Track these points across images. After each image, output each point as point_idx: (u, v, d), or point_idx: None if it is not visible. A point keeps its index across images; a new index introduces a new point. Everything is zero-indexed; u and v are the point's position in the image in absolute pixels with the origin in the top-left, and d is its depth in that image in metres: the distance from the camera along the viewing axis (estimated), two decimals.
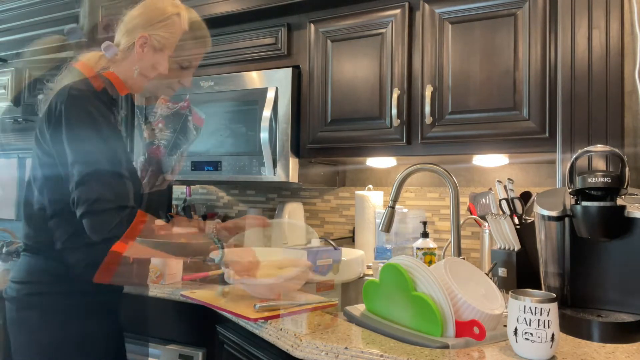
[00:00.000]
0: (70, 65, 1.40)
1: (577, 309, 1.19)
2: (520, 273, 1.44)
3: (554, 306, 0.98)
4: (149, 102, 1.44)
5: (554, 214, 1.22)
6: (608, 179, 1.13)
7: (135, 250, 1.22)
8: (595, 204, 1.15)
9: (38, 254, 1.28)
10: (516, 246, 1.46)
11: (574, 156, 1.22)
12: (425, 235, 1.74)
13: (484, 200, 1.74)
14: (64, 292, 1.27)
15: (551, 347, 0.97)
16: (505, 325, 1.05)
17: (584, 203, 1.17)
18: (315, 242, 1.94)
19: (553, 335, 0.96)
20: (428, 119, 1.69)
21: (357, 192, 2.14)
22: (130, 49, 1.36)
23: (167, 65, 1.37)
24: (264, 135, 1.92)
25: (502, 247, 1.51)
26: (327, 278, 1.36)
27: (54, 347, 1.25)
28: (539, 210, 1.25)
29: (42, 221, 1.27)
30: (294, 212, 2.25)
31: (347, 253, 1.81)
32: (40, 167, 1.28)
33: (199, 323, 1.64)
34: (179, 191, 2.78)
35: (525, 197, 1.62)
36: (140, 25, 1.35)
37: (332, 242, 1.88)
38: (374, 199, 2.10)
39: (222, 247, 1.28)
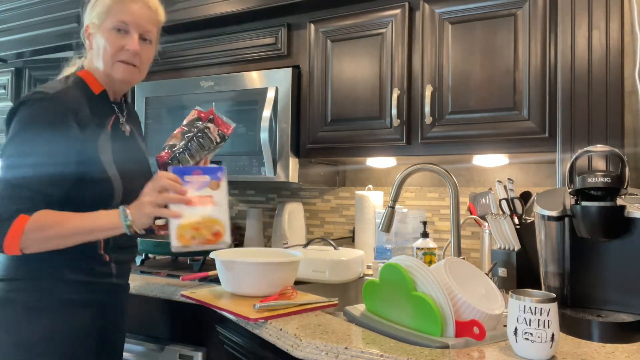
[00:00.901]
0: (64, 69, 1.42)
1: (577, 309, 1.19)
2: (520, 273, 1.44)
3: (554, 306, 0.98)
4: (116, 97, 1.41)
5: (554, 214, 1.22)
6: (608, 179, 1.13)
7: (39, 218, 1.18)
8: (595, 204, 1.15)
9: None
10: (516, 246, 1.46)
11: (574, 156, 1.22)
12: (425, 235, 1.74)
13: (484, 200, 1.74)
14: (30, 288, 1.26)
15: (551, 347, 0.97)
16: (505, 325, 1.05)
17: (584, 203, 1.17)
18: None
19: (553, 335, 0.96)
20: (428, 119, 1.70)
21: (357, 192, 2.14)
22: (88, 44, 1.36)
23: (112, 37, 1.30)
24: (264, 135, 1.92)
25: (502, 247, 1.51)
26: (204, 194, 1.25)
27: (29, 343, 1.24)
28: (539, 210, 1.25)
29: None
30: (294, 212, 2.25)
31: (347, 253, 1.81)
32: None
33: (199, 323, 1.64)
34: None
35: (525, 197, 1.62)
36: (85, 20, 1.35)
37: (332, 242, 1.88)
38: (374, 199, 2.10)
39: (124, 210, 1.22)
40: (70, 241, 1.22)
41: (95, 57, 1.34)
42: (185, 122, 1.46)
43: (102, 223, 1.23)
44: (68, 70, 1.40)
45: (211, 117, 1.45)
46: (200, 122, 1.44)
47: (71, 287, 1.29)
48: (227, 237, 1.24)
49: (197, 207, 1.26)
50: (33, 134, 1.21)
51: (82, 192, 1.27)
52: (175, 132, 1.43)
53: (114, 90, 1.39)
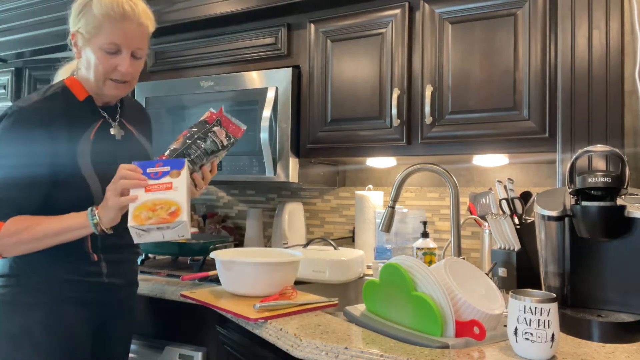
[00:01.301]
0: (58, 72, 1.44)
1: (577, 309, 1.19)
2: (520, 273, 1.44)
3: (554, 306, 0.98)
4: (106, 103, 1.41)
5: (554, 214, 1.22)
6: (608, 179, 1.13)
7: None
8: (595, 204, 1.15)
9: None
10: (516, 246, 1.46)
11: (574, 156, 1.22)
12: (425, 235, 1.74)
13: (484, 200, 1.74)
14: (22, 285, 1.30)
15: (551, 347, 0.97)
16: (505, 325, 1.05)
17: (584, 203, 1.17)
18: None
19: (553, 335, 0.96)
20: (428, 119, 1.69)
21: (357, 192, 2.14)
22: (76, 52, 1.35)
23: (102, 55, 1.29)
24: (264, 135, 1.92)
25: (502, 247, 1.51)
26: (163, 182, 1.27)
27: (20, 335, 1.27)
28: (539, 210, 1.25)
29: None
30: (294, 212, 2.25)
31: (347, 253, 1.81)
32: None
33: (199, 323, 1.64)
34: None
35: (525, 197, 1.62)
36: (71, 25, 1.33)
37: (332, 242, 1.88)
38: (374, 199, 2.10)
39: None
40: (43, 244, 1.25)
41: (84, 69, 1.34)
42: (196, 123, 1.44)
43: (70, 223, 1.24)
44: (62, 74, 1.42)
45: (218, 119, 1.43)
46: (207, 125, 1.42)
47: (62, 285, 1.31)
48: (184, 217, 1.23)
49: (155, 192, 1.27)
50: (7, 147, 1.25)
51: (60, 198, 1.28)
52: (182, 133, 1.42)
53: (104, 98, 1.39)
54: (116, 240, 1.37)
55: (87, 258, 1.35)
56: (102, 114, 1.39)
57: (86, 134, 1.34)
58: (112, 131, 1.40)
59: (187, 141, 1.39)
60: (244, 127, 1.47)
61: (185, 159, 1.33)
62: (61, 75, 1.43)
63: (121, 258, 1.44)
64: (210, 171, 1.44)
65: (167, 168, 1.30)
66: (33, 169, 1.25)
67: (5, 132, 1.26)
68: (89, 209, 1.25)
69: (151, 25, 1.37)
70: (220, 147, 1.42)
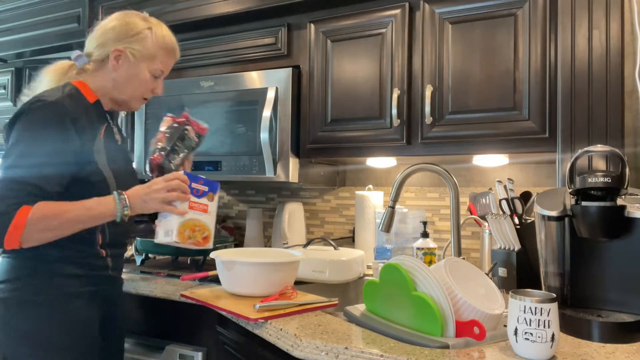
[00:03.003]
0: (42, 72, 1.46)
1: (577, 309, 1.19)
2: (520, 273, 1.44)
3: (554, 306, 0.98)
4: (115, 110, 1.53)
5: (554, 214, 1.22)
6: (608, 179, 1.13)
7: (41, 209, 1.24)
8: (596, 204, 1.15)
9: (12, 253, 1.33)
10: (516, 246, 1.46)
11: (574, 156, 1.22)
12: (425, 235, 1.74)
13: (484, 200, 1.74)
14: (24, 286, 1.31)
15: (551, 347, 0.97)
16: (505, 325, 1.05)
17: (584, 203, 1.17)
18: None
19: (553, 335, 0.96)
20: (428, 119, 1.70)
21: (357, 192, 2.14)
22: (103, 62, 1.43)
23: (148, 77, 1.45)
24: (264, 135, 1.92)
25: (502, 247, 1.51)
26: (202, 202, 1.39)
27: (27, 335, 1.29)
28: (539, 210, 1.25)
29: None
30: (294, 212, 2.25)
31: (347, 253, 1.81)
32: None
33: (199, 323, 1.64)
34: None
35: (525, 197, 1.62)
36: (113, 39, 1.41)
37: (332, 242, 1.88)
38: (374, 199, 2.10)
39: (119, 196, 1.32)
40: (70, 230, 1.28)
41: (117, 81, 1.43)
42: (163, 127, 1.54)
43: (101, 211, 1.30)
44: (52, 74, 1.44)
45: (186, 120, 1.55)
46: (179, 125, 1.53)
47: (68, 280, 1.34)
48: (211, 245, 1.41)
49: (195, 212, 1.38)
50: (34, 137, 1.28)
51: (81, 193, 1.32)
52: (158, 136, 1.52)
53: (110, 104, 1.48)
54: (119, 237, 1.45)
55: (97, 254, 1.39)
56: (108, 118, 1.48)
57: (98, 135, 1.40)
58: (115, 136, 1.50)
59: (170, 140, 1.49)
60: (206, 125, 1.59)
61: (219, 183, 1.46)
62: (50, 74, 1.45)
63: (120, 252, 1.51)
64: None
65: (206, 188, 1.42)
66: (60, 160, 1.29)
67: (35, 123, 1.28)
68: (117, 197, 1.31)
69: None
70: (194, 144, 1.54)
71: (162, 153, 1.48)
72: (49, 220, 1.24)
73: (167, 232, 1.36)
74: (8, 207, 1.20)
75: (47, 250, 1.29)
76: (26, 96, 1.37)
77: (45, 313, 1.30)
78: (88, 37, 1.46)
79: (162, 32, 1.46)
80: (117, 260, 1.48)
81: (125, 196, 1.31)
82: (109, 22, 1.44)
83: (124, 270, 1.92)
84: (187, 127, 1.53)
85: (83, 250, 1.36)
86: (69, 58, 1.49)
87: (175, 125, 1.52)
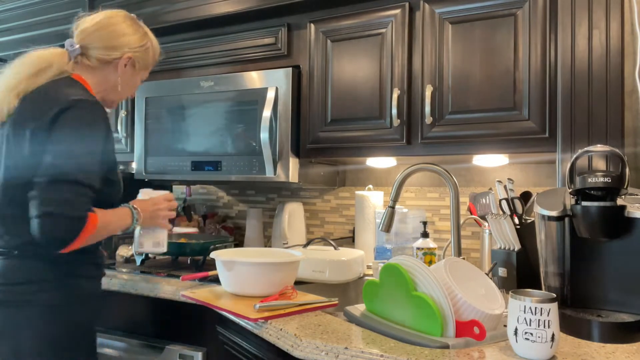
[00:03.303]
0: (30, 57, 1.46)
1: (577, 309, 1.19)
2: (520, 273, 1.44)
3: (554, 306, 0.98)
4: None
5: (554, 214, 1.22)
6: (608, 179, 1.13)
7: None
8: (596, 204, 1.15)
9: (23, 254, 1.33)
10: (516, 246, 1.46)
11: (574, 156, 1.22)
12: (425, 235, 1.74)
13: (484, 200, 1.74)
14: (54, 288, 1.33)
15: (551, 347, 0.97)
16: (505, 325, 1.05)
17: (584, 203, 1.17)
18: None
19: (553, 335, 0.96)
20: (428, 119, 1.69)
21: (357, 192, 2.14)
22: (110, 63, 1.46)
23: (139, 83, 1.58)
24: (264, 135, 1.92)
25: (502, 247, 1.51)
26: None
27: (54, 339, 1.32)
28: (539, 210, 1.25)
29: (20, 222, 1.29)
30: (294, 212, 2.25)
31: (347, 253, 1.81)
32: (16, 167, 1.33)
33: (199, 323, 1.65)
34: (179, 191, 2.78)
35: (525, 197, 1.62)
36: (127, 45, 1.47)
37: (332, 242, 1.88)
38: (374, 199, 2.10)
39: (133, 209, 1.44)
40: (102, 238, 1.39)
41: (118, 84, 1.49)
42: None
43: (127, 222, 1.42)
44: (57, 67, 1.42)
45: None
46: None
47: (86, 281, 1.40)
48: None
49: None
50: (83, 137, 1.31)
51: (109, 193, 1.40)
52: None
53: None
54: None
55: (101, 254, 1.49)
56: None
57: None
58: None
59: None
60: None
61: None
62: (40, 60, 1.43)
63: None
64: None
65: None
66: (105, 160, 1.36)
67: (87, 120, 1.33)
68: (133, 210, 1.43)
69: None
70: None
71: None
72: (104, 229, 1.33)
73: (156, 243, 1.57)
74: (82, 213, 1.25)
75: (73, 253, 1.29)
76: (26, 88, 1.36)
77: (66, 314, 1.33)
78: (90, 31, 1.45)
79: (156, 44, 1.57)
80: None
81: (139, 210, 1.44)
82: (119, 25, 1.47)
83: (124, 270, 1.94)
84: None
85: (93, 251, 1.42)
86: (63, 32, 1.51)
87: None
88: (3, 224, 1.34)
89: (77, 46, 1.44)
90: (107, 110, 1.48)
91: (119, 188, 1.44)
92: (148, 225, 1.51)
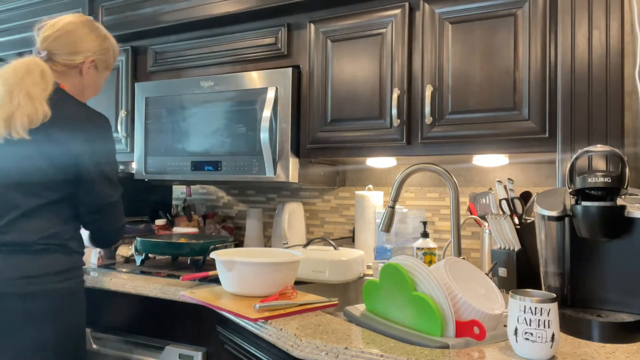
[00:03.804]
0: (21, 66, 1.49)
1: (577, 309, 1.19)
2: (520, 273, 1.44)
3: (554, 306, 0.98)
4: None
5: (554, 214, 1.22)
6: (608, 179, 1.13)
7: None
8: (596, 204, 1.15)
9: (42, 249, 1.42)
10: (516, 246, 1.46)
11: (574, 156, 1.22)
12: (425, 235, 1.74)
13: (484, 200, 1.74)
14: (75, 277, 1.49)
15: (551, 347, 0.97)
16: (505, 325, 1.05)
17: (584, 203, 1.17)
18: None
19: (553, 335, 0.96)
20: (428, 119, 1.69)
21: (357, 192, 2.14)
22: (74, 67, 1.53)
23: (102, 83, 1.66)
24: (264, 135, 1.92)
25: (502, 247, 1.51)
26: None
27: (74, 327, 1.47)
28: (539, 210, 1.25)
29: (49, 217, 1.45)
30: (294, 212, 2.26)
31: (347, 253, 1.81)
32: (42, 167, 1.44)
33: (199, 323, 1.64)
34: (179, 191, 2.78)
35: (525, 197, 1.62)
36: (90, 50, 1.54)
37: (332, 242, 1.88)
38: (374, 199, 2.10)
39: None
40: None
41: (83, 88, 1.58)
42: None
43: None
44: (46, 77, 1.47)
45: None
46: None
47: (83, 274, 1.55)
48: None
49: None
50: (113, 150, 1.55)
51: None
52: None
53: None
54: None
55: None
56: None
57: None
58: None
59: None
60: None
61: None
62: (35, 73, 1.47)
63: None
64: None
65: None
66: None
67: (109, 133, 1.53)
68: None
69: None
70: None
71: None
72: None
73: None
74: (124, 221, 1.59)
75: (81, 245, 1.52)
76: None
77: (81, 300, 1.50)
78: (53, 38, 1.50)
79: (115, 45, 1.65)
80: None
81: None
82: (80, 30, 1.53)
83: (124, 270, 1.94)
84: None
85: (84, 246, 1.57)
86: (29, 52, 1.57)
87: None
88: (23, 220, 1.41)
89: (44, 53, 1.50)
90: None
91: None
92: None
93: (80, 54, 1.52)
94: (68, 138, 1.41)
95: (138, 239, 2.02)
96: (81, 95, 1.58)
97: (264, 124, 1.92)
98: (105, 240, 1.61)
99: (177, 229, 2.35)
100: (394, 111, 1.75)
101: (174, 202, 2.77)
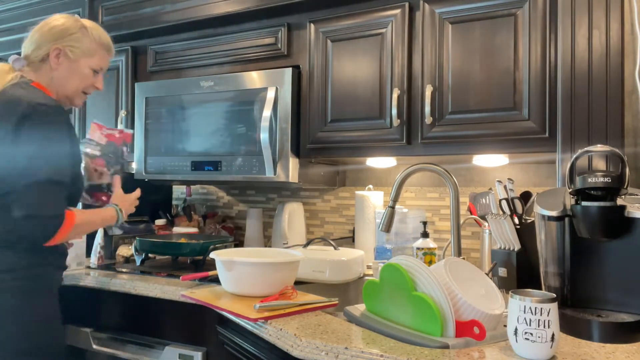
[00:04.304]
0: None
1: (577, 309, 1.19)
2: (520, 273, 1.44)
3: (554, 306, 0.98)
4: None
5: (554, 214, 1.22)
6: (608, 179, 1.13)
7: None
8: (596, 204, 1.15)
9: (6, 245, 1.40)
10: (516, 246, 1.46)
11: (574, 156, 1.22)
12: (425, 235, 1.74)
13: (484, 200, 1.74)
14: (28, 276, 1.42)
15: (551, 347, 0.97)
16: (505, 325, 1.05)
17: (584, 203, 1.17)
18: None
19: (553, 335, 0.96)
20: (428, 119, 1.69)
21: (357, 192, 2.14)
22: (42, 62, 1.51)
23: (88, 72, 1.56)
24: (264, 135, 1.92)
25: (502, 247, 1.51)
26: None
27: (31, 326, 1.40)
28: (539, 210, 1.25)
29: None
30: (294, 212, 2.25)
31: (347, 253, 1.81)
32: None
33: (199, 323, 1.64)
34: (179, 191, 2.78)
35: (525, 197, 1.62)
36: (51, 39, 1.51)
37: (332, 242, 1.88)
38: (374, 199, 2.10)
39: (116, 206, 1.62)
40: (81, 236, 1.60)
41: (61, 79, 1.53)
42: (95, 145, 1.77)
43: (111, 221, 1.59)
44: (2, 80, 1.48)
45: (125, 142, 1.83)
46: (117, 150, 1.81)
47: (55, 272, 1.50)
48: None
49: None
50: (50, 140, 1.39)
51: (72, 190, 1.47)
52: (95, 162, 1.75)
53: (66, 106, 1.60)
54: None
55: (65, 247, 1.57)
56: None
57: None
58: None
59: (111, 169, 1.79)
60: (131, 131, 1.88)
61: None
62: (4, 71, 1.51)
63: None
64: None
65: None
66: (73, 160, 1.47)
67: (51, 125, 1.39)
68: (116, 207, 1.60)
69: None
70: (125, 154, 1.84)
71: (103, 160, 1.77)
72: (85, 227, 1.48)
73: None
74: (58, 210, 1.36)
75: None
76: None
77: (44, 304, 1.43)
78: (24, 42, 1.54)
79: (98, 31, 1.58)
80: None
81: (121, 207, 1.62)
82: (45, 25, 1.54)
83: (124, 270, 1.94)
84: (121, 146, 1.82)
85: (61, 244, 1.48)
86: (5, 61, 1.57)
87: (110, 143, 1.79)
88: None
89: (19, 58, 1.53)
90: (75, 107, 1.61)
91: (81, 185, 1.56)
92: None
93: (43, 46, 1.50)
94: None
95: (138, 239, 2.02)
96: (63, 88, 1.53)
97: (264, 124, 1.92)
98: (29, 233, 1.37)
99: (177, 229, 2.35)
100: (394, 111, 1.75)
101: (174, 202, 2.77)
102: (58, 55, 1.51)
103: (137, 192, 1.73)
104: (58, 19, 1.55)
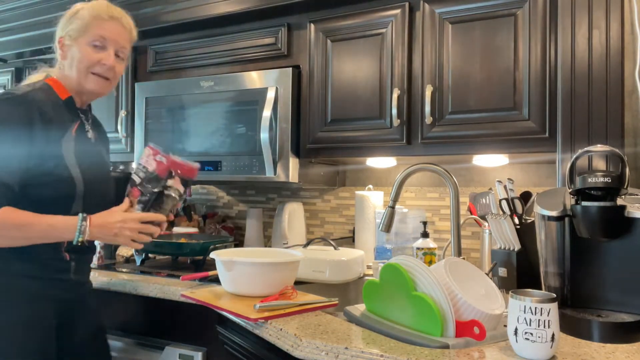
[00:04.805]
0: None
1: (577, 309, 1.19)
2: (520, 273, 1.44)
3: (554, 306, 0.98)
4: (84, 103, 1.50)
5: (554, 214, 1.22)
6: (608, 179, 1.13)
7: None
8: (596, 204, 1.15)
9: None
10: (516, 246, 1.46)
11: (574, 156, 1.22)
12: (425, 235, 1.74)
13: (484, 200, 1.74)
14: None
15: (551, 347, 0.97)
16: (505, 325, 1.05)
17: (584, 203, 1.17)
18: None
19: (553, 335, 0.96)
20: (428, 119, 1.69)
21: (357, 192, 2.14)
22: (59, 55, 1.46)
23: (86, 49, 1.41)
24: (264, 135, 1.92)
25: (502, 247, 1.51)
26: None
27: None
28: (539, 210, 1.25)
29: None
30: (294, 212, 2.25)
31: (347, 253, 1.81)
32: None
33: (199, 323, 1.64)
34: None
35: (525, 197, 1.62)
36: (57, 34, 1.46)
37: (332, 242, 1.88)
38: (374, 199, 2.10)
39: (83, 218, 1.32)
40: (30, 242, 1.30)
41: (68, 68, 1.44)
42: (146, 175, 1.44)
43: (62, 233, 1.31)
44: (35, 77, 1.47)
45: (170, 170, 1.44)
46: (160, 181, 1.43)
47: (26, 281, 1.34)
48: None
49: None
50: (1, 130, 1.28)
51: (44, 190, 1.32)
52: (131, 190, 1.44)
53: (82, 99, 1.48)
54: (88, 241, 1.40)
55: (61, 257, 1.39)
56: (80, 115, 1.48)
57: (69, 132, 1.40)
58: (88, 134, 1.49)
59: (142, 203, 1.42)
60: (196, 165, 1.49)
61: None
62: (35, 79, 1.48)
63: (87, 257, 1.52)
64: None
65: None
66: (25, 154, 1.29)
67: (4, 114, 1.29)
68: (80, 219, 1.31)
69: (135, 32, 1.52)
70: (179, 197, 1.47)
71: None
72: (13, 230, 1.26)
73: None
74: None
75: (7, 250, 1.29)
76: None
77: (9, 313, 1.30)
78: None
79: (93, 4, 1.45)
80: (82, 264, 1.48)
81: (87, 223, 1.31)
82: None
83: (124, 270, 1.94)
84: (169, 183, 1.43)
85: (45, 252, 1.35)
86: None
87: (157, 179, 1.42)
88: None
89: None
90: (95, 94, 1.46)
91: (67, 186, 1.35)
92: (106, 241, 1.42)
93: (54, 43, 1.48)
94: None
95: None
96: (69, 78, 1.43)
97: (264, 124, 1.92)
98: None
99: (177, 229, 2.35)
100: (394, 111, 1.75)
101: None
102: (62, 46, 1.45)
103: (144, 216, 1.39)
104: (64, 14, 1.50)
